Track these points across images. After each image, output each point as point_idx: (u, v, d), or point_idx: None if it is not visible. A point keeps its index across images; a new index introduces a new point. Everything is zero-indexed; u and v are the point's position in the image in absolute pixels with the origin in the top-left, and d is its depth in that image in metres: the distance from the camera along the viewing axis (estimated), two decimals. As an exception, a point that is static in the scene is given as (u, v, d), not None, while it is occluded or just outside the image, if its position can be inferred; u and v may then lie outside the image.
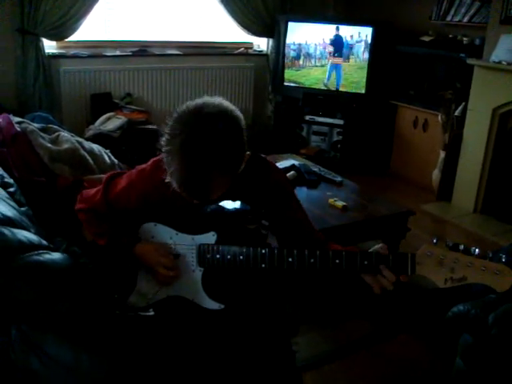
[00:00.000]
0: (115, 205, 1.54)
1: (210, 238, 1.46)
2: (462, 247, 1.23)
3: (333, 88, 5.10)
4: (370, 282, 1.36)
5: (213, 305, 1.47)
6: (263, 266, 1.40)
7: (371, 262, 1.33)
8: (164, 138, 1.27)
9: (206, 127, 1.24)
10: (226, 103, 1.32)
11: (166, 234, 1.51)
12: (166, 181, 1.33)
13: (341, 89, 5.07)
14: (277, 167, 1.63)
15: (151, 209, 1.51)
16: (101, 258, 1.59)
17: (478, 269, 1.19)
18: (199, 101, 1.29)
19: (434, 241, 1.27)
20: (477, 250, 1.21)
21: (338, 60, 5.04)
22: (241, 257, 1.40)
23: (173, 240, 1.50)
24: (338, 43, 5.00)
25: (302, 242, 1.54)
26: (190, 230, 1.49)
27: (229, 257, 1.42)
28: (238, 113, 1.32)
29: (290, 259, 1.37)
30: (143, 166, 1.54)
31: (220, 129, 1.25)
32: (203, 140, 1.23)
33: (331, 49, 5.03)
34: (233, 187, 1.41)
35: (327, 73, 5.12)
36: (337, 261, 1.34)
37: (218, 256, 1.43)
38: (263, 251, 1.39)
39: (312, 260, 1.36)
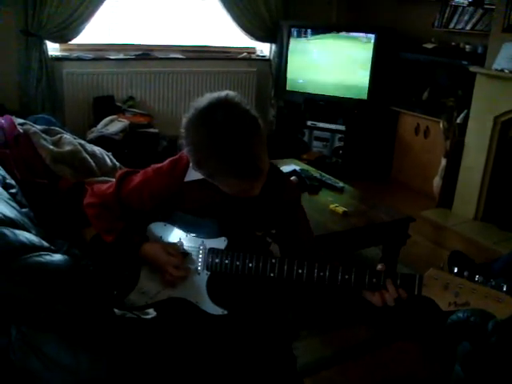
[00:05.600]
0: (126, 201, 1.53)
1: (221, 242, 1.46)
2: (466, 273, 1.27)
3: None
4: (371, 298, 1.38)
5: (216, 310, 1.46)
6: (272, 274, 1.41)
7: (380, 279, 1.34)
8: (185, 133, 1.31)
9: (230, 106, 1.29)
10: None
11: (174, 235, 1.51)
12: (186, 180, 1.43)
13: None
14: (292, 183, 1.65)
15: (162, 208, 1.51)
16: (102, 258, 1.59)
17: (481, 295, 1.24)
18: (208, 95, 1.33)
19: (441, 265, 1.31)
20: (481, 278, 1.25)
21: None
22: (250, 264, 1.41)
23: (181, 241, 1.50)
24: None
25: (303, 256, 1.54)
26: (200, 233, 1.48)
27: (238, 263, 1.42)
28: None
29: (300, 270, 1.39)
30: (160, 164, 1.54)
31: (243, 107, 1.31)
32: (233, 117, 1.28)
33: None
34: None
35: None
36: (346, 276, 1.36)
37: (226, 261, 1.43)
38: (273, 260, 1.40)
39: (321, 273, 1.38)
